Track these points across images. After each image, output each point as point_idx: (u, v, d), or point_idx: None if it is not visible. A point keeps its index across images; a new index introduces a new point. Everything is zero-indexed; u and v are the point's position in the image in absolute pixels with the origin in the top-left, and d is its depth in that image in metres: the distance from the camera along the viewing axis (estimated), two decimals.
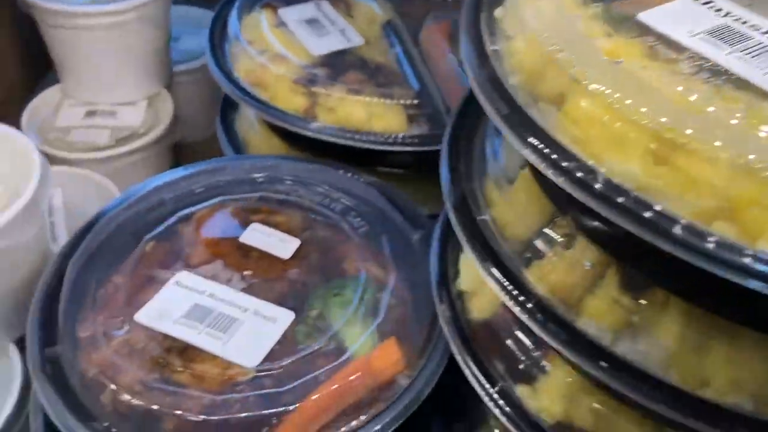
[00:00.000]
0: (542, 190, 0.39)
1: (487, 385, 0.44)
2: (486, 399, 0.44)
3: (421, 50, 0.70)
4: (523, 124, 0.33)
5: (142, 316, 0.49)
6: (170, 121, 0.82)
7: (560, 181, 0.32)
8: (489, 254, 0.40)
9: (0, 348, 0.59)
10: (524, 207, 0.42)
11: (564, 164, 0.32)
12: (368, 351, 0.48)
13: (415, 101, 0.64)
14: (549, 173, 0.32)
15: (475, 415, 0.52)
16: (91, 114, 0.82)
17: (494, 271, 0.40)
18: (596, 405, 0.42)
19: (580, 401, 0.42)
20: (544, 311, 0.37)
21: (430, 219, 0.57)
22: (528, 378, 0.44)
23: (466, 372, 0.45)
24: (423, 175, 0.69)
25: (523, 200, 0.42)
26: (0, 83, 0.82)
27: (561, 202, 0.39)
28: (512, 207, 0.43)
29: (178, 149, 0.89)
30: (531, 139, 0.33)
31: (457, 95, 0.66)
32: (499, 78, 0.35)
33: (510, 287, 0.39)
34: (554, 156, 0.32)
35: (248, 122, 0.76)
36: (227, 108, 0.79)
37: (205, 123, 0.96)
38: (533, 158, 0.33)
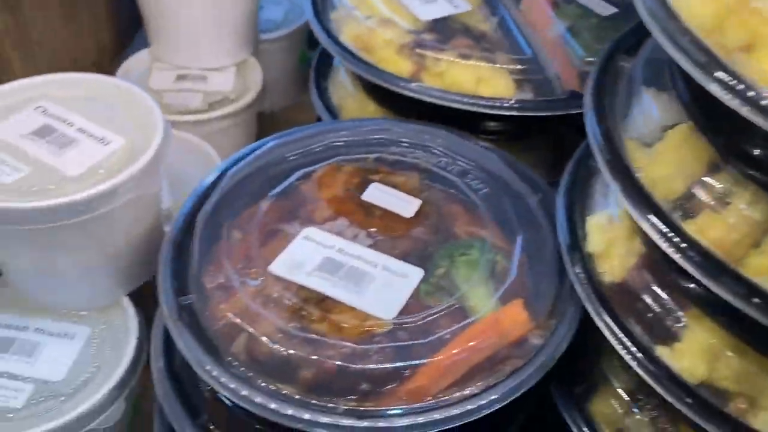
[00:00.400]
0: (710, 139, 0.39)
1: (630, 345, 0.44)
2: (629, 358, 0.44)
3: (524, 17, 0.69)
4: (723, 70, 0.33)
5: (275, 267, 0.49)
6: (261, 88, 0.83)
7: (745, 110, 0.32)
8: (649, 205, 0.40)
9: (116, 300, 0.60)
10: (677, 164, 0.42)
11: (750, 94, 0.32)
12: (494, 311, 0.49)
13: (521, 67, 0.64)
14: (734, 104, 0.33)
15: (595, 378, 0.52)
16: (182, 78, 0.83)
17: (654, 219, 0.40)
18: (741, 364, 0.42)
19: (723, 360, 0.42)
20: (711, 260, 0.37)
21: (548, 184, 0.58)
22: (667, 338, 0.44)
23: (606, 332, 0.45)
24: (524, 143, 0.69)
25: (676, 156, 0.42)
26: (94, 44, 0.82)
27: (731, 150, 0.38)
28: (662, 164, 0.43)
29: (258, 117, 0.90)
30: (718, 74, 0.33)
31: (565, 62, 0.66)
32: (690, 30, 0.35)
33: (672, 235, 0.39)
34: (741, 86, 0.33)
35: (343, 88, 0.76)
36: (318, 76, 0.79)
37: (285, 92, 0.96)
38: (720, 93, 0.33)
